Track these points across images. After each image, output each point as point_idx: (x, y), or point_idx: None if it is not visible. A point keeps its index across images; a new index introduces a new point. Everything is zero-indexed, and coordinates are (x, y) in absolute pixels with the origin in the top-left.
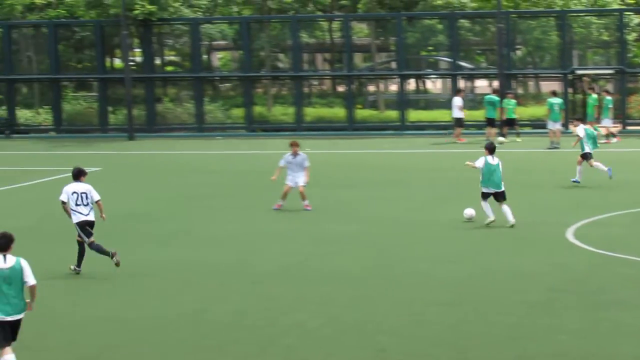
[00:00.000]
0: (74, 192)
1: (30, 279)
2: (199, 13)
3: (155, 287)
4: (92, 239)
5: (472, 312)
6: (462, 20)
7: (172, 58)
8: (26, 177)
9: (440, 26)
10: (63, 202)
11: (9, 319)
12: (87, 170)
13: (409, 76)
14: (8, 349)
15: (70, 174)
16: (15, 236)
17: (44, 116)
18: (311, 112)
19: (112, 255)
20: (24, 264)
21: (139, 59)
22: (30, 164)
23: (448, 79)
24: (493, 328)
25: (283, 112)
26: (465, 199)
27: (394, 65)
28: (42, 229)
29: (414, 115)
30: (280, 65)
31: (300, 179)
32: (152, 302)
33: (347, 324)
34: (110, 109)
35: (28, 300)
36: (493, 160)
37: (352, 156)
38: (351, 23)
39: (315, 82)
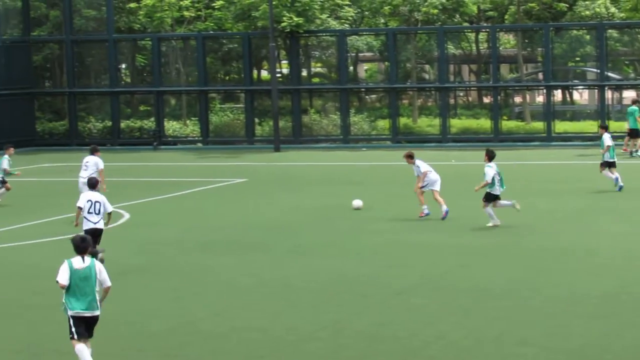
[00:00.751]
0: (89, 200)
1: (107, 281)
2: (346, 25)
3: (296, 298)
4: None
5: (619, 325)
6: (610, 31)
7: (319, 70)
8: (174, 188)
9: (588, 37)
10: (79, 208)
11: (87, 314)
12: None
13: (556, 87)
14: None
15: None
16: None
17: (191, 128)
18: (457, 124)
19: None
20: (100, 265)
21: (285, 70)
22: (178, 175)
23: (595, 90)
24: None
25: (428, 124)
26: (615, 211)
27: (540, 76)
28: (186, 240)
29: (561, 126)
30: (426, 76)
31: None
32: (293, 313)
33: (488, 336)
34: (256, 120)
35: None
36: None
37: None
38: (498, 34)
39: (461, 94)
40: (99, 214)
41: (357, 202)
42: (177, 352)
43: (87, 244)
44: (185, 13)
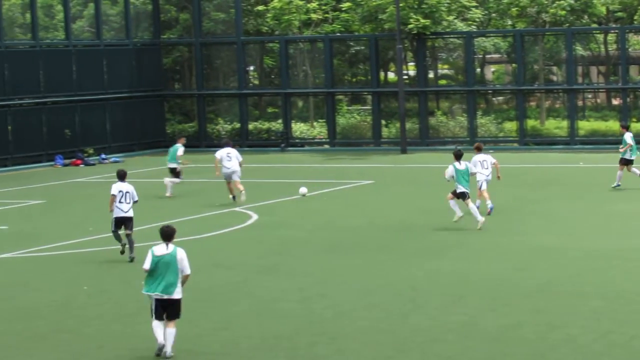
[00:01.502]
0: (120, 191)
1: (187, 269)
2: (473, 26)
3: (423, 299)
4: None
5: None
6: None
7: (445, 71)
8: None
9: None
10: (113, 195)
11: (164, 296)
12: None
13: None
14: (169, 323)
15: (116, 176)
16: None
17: (318, 129)
18: (585, 126)
19: (121, 252)
20: (182, 253)
21: (412, 72)
22: (305, 177)
23: None
24: None
25: (556, 126)
26: None
27: None
28: (313, 241)
29: None
30: (554, 78)
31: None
32: (420, 315)
33: (618, 341)
34: (383, 122)
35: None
36: (461, 165)
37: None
38: (627, 35)
39: (589, 95)
40: (129, 203)
41: (303, 189)
42: (305, 352)
43: (171, 231)
44: (313, 15)
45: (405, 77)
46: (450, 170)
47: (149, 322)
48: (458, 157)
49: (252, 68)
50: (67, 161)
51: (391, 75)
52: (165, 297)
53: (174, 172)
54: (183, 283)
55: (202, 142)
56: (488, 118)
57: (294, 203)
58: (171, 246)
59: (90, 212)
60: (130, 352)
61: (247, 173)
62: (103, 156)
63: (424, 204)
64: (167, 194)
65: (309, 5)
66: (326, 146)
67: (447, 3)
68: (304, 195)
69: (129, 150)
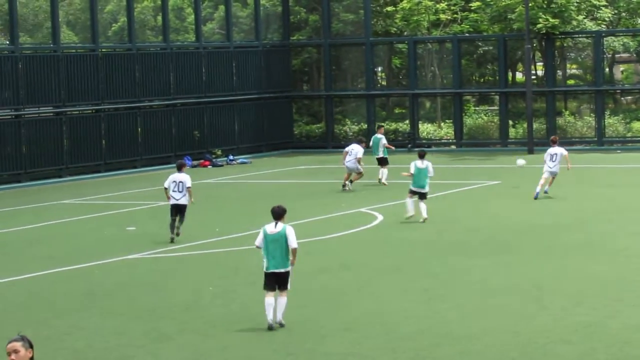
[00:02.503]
0: (174, 181)
1: (292, 243)
2: (602, 26)
3: (548, 300)
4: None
5: None
6: None
7: (574, 71)
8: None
9: None
10: (165, 188)
11: (275, 271)
12: (187, 164)
13: None
14: (274, 294)
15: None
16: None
17: (445, 130)
18: None
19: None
20: (290, 230)
21: (540, 72)
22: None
23: None
24: None
25: None
26: None
27: None
28: (438, 242)
29: None
30: None
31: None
32: (544, 316)
33: None
34: (510, 122)
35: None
36: (422, 164)
37: None
38: None
39: None
40: (181, 191)
41: (521, 161)
42: (428, 353)
43: (281, 210)
44: (442, 16)
45: (533, 77)
46: (411, 168)
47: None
48: (421, 156)
49: (380, 69)
50: (195, 162)
51: (519, 76)
52: (276, 271)
53: (382, 162)
54: (294, 256)
55: (330, 143)
56: (616, 118)
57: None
58: (280, 225)
59: (218, 213)
60: (258, 353)
61: (372, 173)
62: (231, 157)
63: (550, 204)
64: (384, 183)
65: (438, 5)
66: (453, 147)
67: (577, 2)
68: (521, 166)
69: (257, 152)
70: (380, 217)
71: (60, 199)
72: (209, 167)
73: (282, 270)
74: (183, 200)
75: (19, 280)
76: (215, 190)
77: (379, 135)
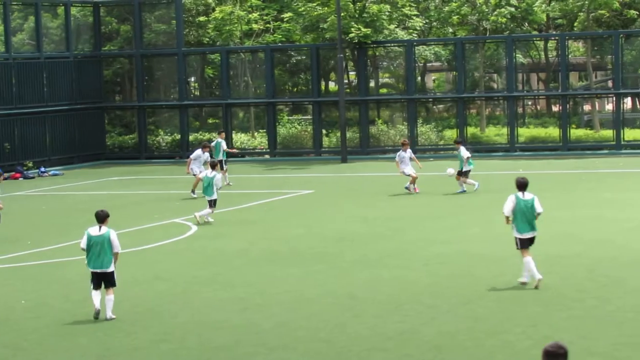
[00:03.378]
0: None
1: (116, 248)
2: (414, 35)
3: (361, 308)
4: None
5: None
6: None
7: (386, 80)
8: (242, 200)
9: None
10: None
11: (98, 270)
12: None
13: (626, 95)
14: (108, 291)
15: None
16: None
17: (259, 139)
18: (525, 132)
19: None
20: (113, 234)
21: (353, 81)
22: (246, 187)
23: None
24: None
25: (496, 133)
26: None
27: (610, 83)
28: (252, 251)
29: (630, 134)
30: (494, 85)
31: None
32: (358, 324)
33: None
34: (324, 131)
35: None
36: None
37: (566, 177)
38: (567, 42)
39: (529, 102)
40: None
41: (451, 170)
42: None
43: (104, 215)
44: (254, 26)
45: (346, 86)
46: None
47: (87, 334)
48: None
49: (193, 79)
50: (6, 174)
51: (332, 85)
52: (99, 271)
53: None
54: (115, 259)
55: (143, 154)
56: (428, 126)
57: (234, 214)
58: (104, 228)
59: (29, 225)
60: None
61: (187, 184)
62: (42, 169)
63: (364, 213)
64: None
65: (250, 15)
66: (267, 156)
67: (388, 12)
68: (450, 175)
69: (69, 163)
70: (194, 228)
71: None
72: (20, 179)
73: (106, 270)
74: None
75: None
76: (27, 202)
77: (219, 140)
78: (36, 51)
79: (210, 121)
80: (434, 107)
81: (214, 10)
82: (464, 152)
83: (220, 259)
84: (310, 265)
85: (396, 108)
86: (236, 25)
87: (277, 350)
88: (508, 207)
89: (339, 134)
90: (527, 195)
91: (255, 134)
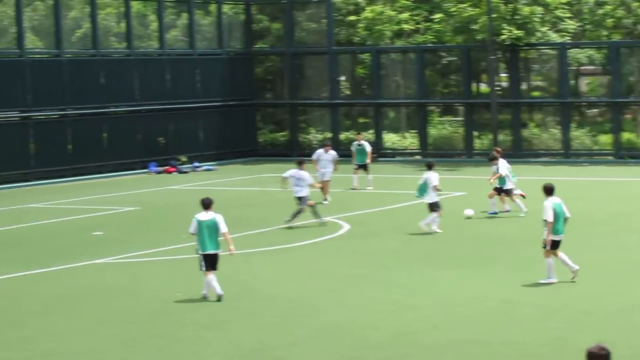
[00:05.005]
0: (293, 176)
1: (223, 228)
2: (567, 38)
3: (517, 313)
4: (303, 206)
5: None
6: None
7: (539, 83)
8: (393, 200)
9: None
10: (284, 177)
11: (209, 252)
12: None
13: None
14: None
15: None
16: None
17: (410, 140)
18: None
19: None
20: (219, 217)
21: (504, 84)
22: (396, 188)
23: None
24: None
25: None
26: None
27: None
28: (406, 252)
29: None
30: None
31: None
32: (514, 328)
33: None
34: (475, 133)
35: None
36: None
37: None
38: None
39: None
40: (301, 187)
41: (469, 212)
42: None
43: (210, 201)
44: (405, 26)
45: (498, 88)
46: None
47: (242, 329)
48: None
49: (343, 78)
50: (160, 169)
51: (483, 87)
52: (210, 252)
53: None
54: (228, 239)
55: (294, 152)
56: (582, 131)
57: (386, 214)
58: (211, 213)
59: (184, 219)
60: (225, 358)
61: (340, 182)
62: (196, 164)
63: (517, 217)
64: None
65: (400, 16)
66: (417, 157)
67: (541, 14)
68: (469, 217)
69: (222, 159)
70: (346, 227)
71: (27, 202)
72: (174, 173)
73: (217, 251)
74: (302, 193)
75: None
76: (180, 197)
77: (363, 141)
78: (189, 48)
79: (360, 120)
80: (588, 111)
81: (364, 9)
82: (503, 166)
83: (374, 258)
84: (465, 268)
85: (549, 111)
86: (387, 25)
87: (431, 351)
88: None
89: (490, 137)
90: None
91: (406, 134)
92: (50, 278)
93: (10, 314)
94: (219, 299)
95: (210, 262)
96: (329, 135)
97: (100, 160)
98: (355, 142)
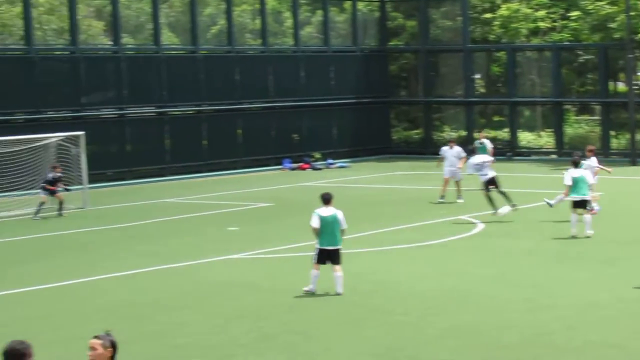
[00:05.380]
0: (477, 164)
1: (343, 224)
2: None
3: None
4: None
5: None
6: None
7: None
8: (528, 199)
9: None
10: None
11: (327, 248)
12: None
13: None
14: (335, 268)
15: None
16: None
17: (545, 139)
18: None
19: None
20: (340, 214)
21: None
22: (531, 187)
23: None
24: None
25: None
26: None
27: None
28: (541, 251)
29: None
30: None
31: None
32: None
33: None
34: (612, 133)
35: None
36: (577, 173)
37: None
38: None
39: None
40: (482, 171)
41: (505, 209)
42: None
43: (330, 196)
44: (541, 24)
45: (636, 87)
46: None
47: (376, 327)
48: (575, 164)
49: (478, 76)
50: (294, 165)
51: (621, 86)
52: (329, 248)
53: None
54: (342, 235)
55: (428, 149)
56: None
57: (520, 213)
58: (331, 209)
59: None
60: (357, 356)
61: (472, 181)
62: (330, 161)
63: None
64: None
65: (536, 13)
66: (553, 156)
67: None
68: (503, 214)
69: (355, 156)
70: (480, 226)
71: (162, 197)
72: (308, 170)
73: (338, 247)
74: (490, 175)
75: (124, 276)
76: (314, 193)
77: (484, 140)
78: (323, 45)
79: (495, 119)
80: None
81: (499, 7)
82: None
83: (507, 258)
84: (600, 269)
85: None
86: (522, 23)
87: (565, 353)
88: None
89: (628, 136)
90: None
91: (542, 133)
92: (184, 272)
93: (145, 307)
94: (311, 292)
95: (326, 257)
96: (463, 133)
97: (234, 156)
98: (477, 141)
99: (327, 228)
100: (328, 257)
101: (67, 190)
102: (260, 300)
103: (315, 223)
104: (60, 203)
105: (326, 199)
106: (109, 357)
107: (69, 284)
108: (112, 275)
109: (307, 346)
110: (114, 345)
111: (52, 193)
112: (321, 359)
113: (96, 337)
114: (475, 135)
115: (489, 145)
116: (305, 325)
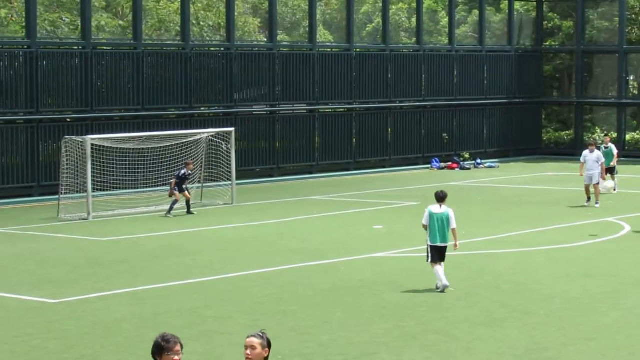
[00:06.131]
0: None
1: (453, 224)
2: None
3: None
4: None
5: None
6: None
7: None
8: None
9: None
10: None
11: (438, 244)
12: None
13: None
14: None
15: None
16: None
17: None
18: None
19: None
20: (451, 212)
21: None
22: None
23: None
24: None
25: None
26: None
27: None
28: None
29: None
30: None
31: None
32: None
33: None
34: None
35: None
36: None
37: None
38: None
39: None
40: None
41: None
42: None
43: (444, 195)
44: None
45: None
46: None
47: (516, 327)
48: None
49: (632, 78)
50: (443, 164)
51: None
52: (440, 245)
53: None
54: (454, 237)
55: (579, 151)
56: None
57: None
58: (444, 207)
59: (465, 216)
60: (497, 356)
61: (624, 184)
62: (478, 161)
63: None
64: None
65: None
66: None
67: None
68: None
69: (504, 156)
70: (627, 228)
71: (310, 194)
72: (457, 169)
73: (447, 244)
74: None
75: (269, 273)
76: (461, 193)
77: (610, 145)
78: (478, 44)
79: None
80: None
81: None
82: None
83: None
84: None
85: None
86: None
87: None
88: None
89: None
90: None
91: None
92: (327, 270)
93: (289, 304)
94: (443, 290)
95: (439, 254)
96: (614, 135)
97: (383, 154)
98: (603, 145)
99: (437, 225)
100: (437, 253)
101: (200, 186)
102: (402, 298)
103: (424, 220)
104: (187, 201)
105: (440, 197)
106: (264, 358)
107: (213, 279)
108: (258, 271)
109: (447, 345)
110: (270, 346)
111: (180, 190)
112: (460, 358)
113: (253, 335)
114: (637, 137)
115: (614, 150)
116: (446, 324)
